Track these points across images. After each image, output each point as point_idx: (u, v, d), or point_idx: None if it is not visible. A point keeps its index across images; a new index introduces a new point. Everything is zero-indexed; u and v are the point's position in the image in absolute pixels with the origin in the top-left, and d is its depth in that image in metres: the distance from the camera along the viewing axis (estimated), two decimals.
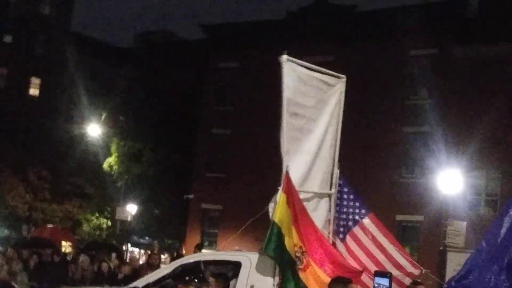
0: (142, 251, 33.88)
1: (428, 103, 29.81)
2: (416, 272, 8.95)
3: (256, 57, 32.54)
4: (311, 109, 8.82)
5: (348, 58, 31.37)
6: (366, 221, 9.13)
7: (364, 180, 29.47)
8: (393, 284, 8.55)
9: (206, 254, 12.31)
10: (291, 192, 8.22)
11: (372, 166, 30.45)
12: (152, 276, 9.31)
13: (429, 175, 28.24)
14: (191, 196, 34.64)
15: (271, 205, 8.33)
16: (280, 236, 8.02)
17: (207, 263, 9.04)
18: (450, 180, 24.41)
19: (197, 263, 9.12)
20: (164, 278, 9.01)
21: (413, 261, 9.20)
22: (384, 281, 3.94)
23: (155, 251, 25.85)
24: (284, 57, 8.49)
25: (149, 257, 17.28)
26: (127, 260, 22.82)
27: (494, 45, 28.92)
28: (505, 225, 7.19)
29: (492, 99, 27.72)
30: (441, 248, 25.06)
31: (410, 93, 30.92)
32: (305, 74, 8.79)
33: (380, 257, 8.79)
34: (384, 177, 30.13)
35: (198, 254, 12.28)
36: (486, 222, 28.27)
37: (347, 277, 7.66)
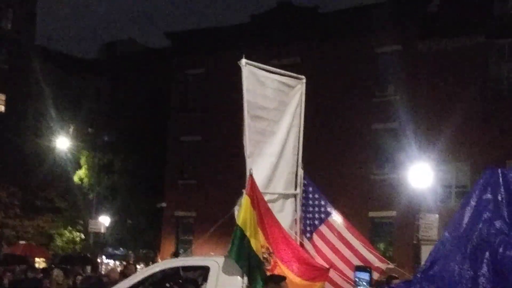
0: (118, 263, 33.64)
1: (396, 99, 30.06)
2: (383, 266, 9.04)
3: (221, 62, 32.48)
4: (273, 111, 8.86)
5: (315, 59, 31.57)
6: (332, 219, 9.18)
7: (336, 178, 29.69)
8: None
9: (174, 260, 12.23)
10: (255, 194, 8.25)
11: (344, 164, 30.63)
12: (123, 285, 9.24)
13: (400, 171, 28.46)
14: (163, 205, 34.54)
15: (236, 208, 8.36)
16: (243, 239, 8.04)
17: (176, 269, 9.02)
18: (421, 175, 24.60)
19: (168, 270, 9.10)
20: (135, 286, 8.96)
21: (380, 255, 9.30)
22: (364, 275, 3.99)
23: (131, 262, 25.73)
24: (243, 61, 8.52)
25: (124, 267, 17.15)
26: (103, 272, 22.69)
27: (458, 38, 29.30)
28: (467, 215, 7.25)
29: (459, 92, 28.06)
30: (414, 241, 25.26)
31: (378, 90, 31.16)
32: (264, 76, 8.82)
33: (347, 253, 8.86)
34: (356, 174, 30.32)
35: (166, 261, 12.22)
36: None
37: (282, 275, 7.73)
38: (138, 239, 35.26)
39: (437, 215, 26.60)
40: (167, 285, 8.59)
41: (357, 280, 6.46)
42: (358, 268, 6.99)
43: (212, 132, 33.72)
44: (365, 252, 8.91)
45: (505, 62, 29.23)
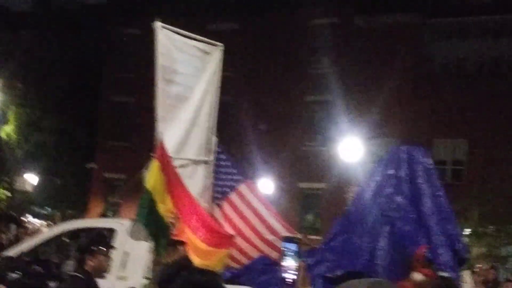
0: (44, 222, 33.10)
1: (330, 72, 30.23)
2: (290, 236, 9.15)
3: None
4: (188, 77, 8.77)
5: (251, 29, 31.45)
6: (243, 187, 9.22)
7: (268, 148, 29.85)
8: (267, 247, 8.75)
9: (81, 222, 12.10)
10: (164, 159, 8.19)
11: (276, 135, 30.78)
12: (27, 245, 9.10)
13: (331, 144, 28.75)
14: (93, 166, 34.06)
15: (145, 172, 8.30)
16: (151, 203, 8.01)
17: (83, 230, 8.92)
18: (351, 148, 24.88)
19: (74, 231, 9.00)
20: (39, 246, 8.84)
21: (288, 225, 9.42)
22: (292, 246, 3.99)
23: (57, 222, 25.35)
24: (158, 24, 8.39)
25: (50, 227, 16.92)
26: (30, 232, 22.33)
27: (394, 15, 29.63)
28: (370, 190, 7.39)
29: (392, 68, 28.42)
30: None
31: (313, 62, 31.28)
32: (180, 41, 8.71)
33: (256, 222, 8.94)
34: (287, 146, 30.51)
35: (72, 222, 12.07)
36: None
37: (181, 239, 7.77)
38: (65, 200, 34.73)
39: None
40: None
41: (285, 250, 6.53)
42: (285, 239, 7.06)
43: (145, 94, 33.18)
44: (273, 222, 9.00)
45: (439, 42, 29.73)
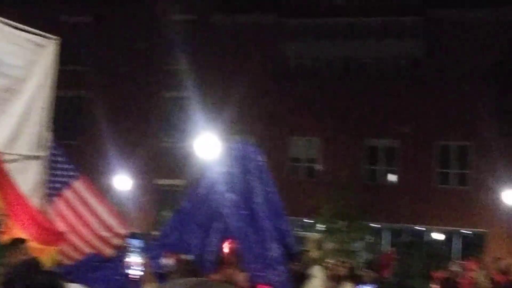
0: None
1: (187, 69, 30.23)
2: (124, 232, 9.12)
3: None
4: (19, 70, 8.46)
5: (109, 21, 30.89)
6: (77, 184, 9.02)
7: (125, 144, 29.44)
8: (102, 244, 8.63)
9: None
10: None
11: (132, 131, 30.43)
12: None
13: (188, 140, 28.78)
14: None
15: None
16: None
17: None
18: (208, 145, 25.00)
19: None
20: None
21: (123, 222, 9.38)
22: (136, 242, 3.86)
23: None
24: None
25: None
26: None
27: (250, 15, 30.13)
28: (204, 187, 7.46)
29: (247, 67, 28.87)
30: None
31: (170, 58, 31.16)
32: (11, 33, 8.39)
33: (90, 218, 8.78)
34: (144, 142, 30.23)
35: None
36: None
37: (23, 238, 7.57)
38: None
39: None
40: None
41: (129, 246, 6.50)
42: (130, 235, 6.99)
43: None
44: (108, 218, 8.90)
45: (293, 41, 30.54)
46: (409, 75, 29.37)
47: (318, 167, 30.06)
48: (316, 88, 29.60)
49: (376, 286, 15.46)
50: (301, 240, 29.43)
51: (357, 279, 13.72)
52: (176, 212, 7.72)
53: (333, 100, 29.12)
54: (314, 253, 24.84)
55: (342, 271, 16.54)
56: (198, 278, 4.32)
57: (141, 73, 30.59)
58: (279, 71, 30.50)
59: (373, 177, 29.53)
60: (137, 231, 9.20)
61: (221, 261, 6.11)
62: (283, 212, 7.50)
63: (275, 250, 6.86)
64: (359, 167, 29.38)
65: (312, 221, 27.45)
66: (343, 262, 18.64)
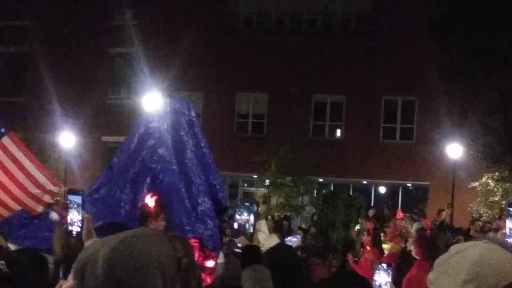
0: None
1: (132, 24, 29.73)
2: (55, 189, 9.06)
3: None
4: None
5: None
6: (6, 140, 8.85)
7: (70, 101, 28.95)
8: (32, 201, 8.53)
9: None
10: None
11: (78, 87, 29.90)
12: None
13: (135, 97, 28.44)
14: None
15: None
16: None
17: None
18: (154, 102, 24.75)
19: None
20: None
21: (53, 179, 9.33)
22: (77, 198, 3.80)
23: None
24: None
25: None
26: None
27: None
28: (134, 142, 7.38)
29: (194, 21, 28.56)
30: None
31: (116, 14, 30.65)
32: None
33: (19, 175, 8.67)
34: (90, 98, 29.75)
35: None
36: None
37: None
38: None
39: None
40: None
41: (69, 202, 6.36)
42: (70, 191, 6.83)
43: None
44: (39, 175, 8.81)
45: None
46: (356, 30, 29.49)
47: (265, 122, 30.13)
48: (264, 44, 29.48)
49: (300, 237, 15.98)
50: (248, 195, 29.79)
51: (283, 231, 14.05)
52: (107, 168, 7.64)
53: (281, 56, 29.06)
54: (261, 208, 25.11)
55: (270, 224, 16.76)
56: (138, 228, 4.28)
57: (87, 28, 29.92)
58: (226, 26, 30.24)
59: (320, 132, 29.75)
60: (78, 188, 9.03)
61: (146, 215, 6.10)
62: (214, 168, 7.53)
63: (205, 205, 6.91)
64: (307, 122, 29.56)
65: (260, 177, 27.64)
66: (284, 217, 18.94)
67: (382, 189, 30.41)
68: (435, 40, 24.31)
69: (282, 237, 12.90)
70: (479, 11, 23.23)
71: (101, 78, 30.22)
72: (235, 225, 3.21)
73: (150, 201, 6.14)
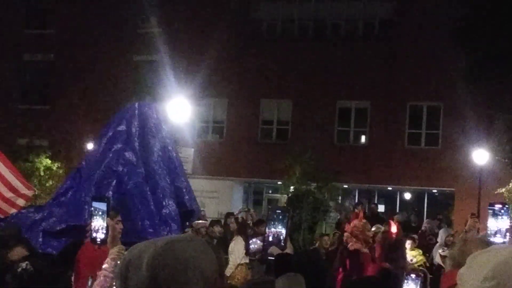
0: None
1: (157, 32, 29.96)
2: (29, 193, 9.21)
3: None
4: None
5: None
6: None
7: (96, 109, 29.20)
8: (5, 205, 8.62)
9: None
10: None
11: (103, 95, 30.16)
12: None
13: (159, 104, 28.54)
14: None
15: None
16: None
17: None
18: (179, 109, 24.90)
19: None
20: None
21: (26, 182, 9.46)
22: (102, 206, 3.83)
23: None
24: None
25: None
26: None
27: None
28: (102, 146, 7.45)
29: (218, 29, 28.64)
30: None
31: (141, 21, 30.92)
32: None
33: None
34: (116, 106, 29.83)
35: None
36: (213, 147, 29.66)
37: None
38: None
39: (192, 149, 27.32)
40: None
41: (93, 210, 6.45)
42: (94, 198, 6.92)
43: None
44: (12, 179, 8.93)
45: (265, 4, 30.41)
46: (380, 35, 29.38)
47: (289, 129, 30.11)
48: (288, 50, 29.52)
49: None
50: (273, 202, 29.76)
51: (246, 233, 13.99)
52: (75, 171, 7.72)
53: (304, 62, 29.05)
54: None
55: (232, 226, 16.72)
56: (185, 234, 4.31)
57: (111, 36, 30.21)
58: (250, 33, 30.34)
59: (345, 138, 29.66)
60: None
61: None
62: (181, 171, 7.58)
63: (169, 208, 6.97)
64: (331, 128, 29.50)
65: (284, 183, 27.59)
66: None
67: (407, 195, 30.22)
68: (459, 44, 24.15)
69: (246, 239, 12.86)
70: (503, 14, 23.04)
71: (126, 86, 30.42)
72: (270, 238, 3.24)
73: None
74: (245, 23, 30.29)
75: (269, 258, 3.15)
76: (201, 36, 29.16)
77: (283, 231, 3.18)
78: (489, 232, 4.04)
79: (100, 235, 3.70)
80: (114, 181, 6.97)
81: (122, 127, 7.30)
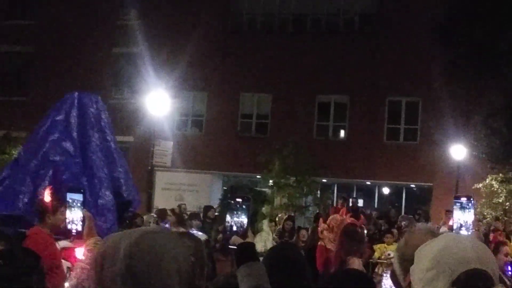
0: None
1: (137, 24, 29.80)
2: None
3: None
4: None
5: None
6: None
7: None
8: None
9: None
10: None
11: (82, 87, 29.83)
12: None
13: (139, 97, 28.48)
14: None
15: None
16: None
17: None
18: (159, 102, 24.81)
19: None
20: None
21: None
22: (78, 196, 3.79)
23: None
24: None
25: None
26: None
27: None
28: (40, 135, 7.41)
29: (199, 21, 28.62)
30: (149, 167, 25.59)
31: (120, 13, 30.74)
32: None
33: None
34: None
35: None
36: (192, 141, 29.59)
37: None
38: None
39: (171, 142, 27.24)
40: None
41: (70, 201, 6.41)
42: (70, 190, 6.88)
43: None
44: None
45: None
46: (360, 30, 29.46)
47: (269, 123, 30.13)
48: (268, 44, 29.49)
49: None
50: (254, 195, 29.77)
51: (185, 225, 14.13)
52: (13, 161, 7.66)
53: (284, 56, 29.06)
54: (265, 208, 25.14)
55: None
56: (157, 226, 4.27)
57: (91, 27, 29.99)
58: (231, 27, 30.29)
59: (324, 133, 29.71)
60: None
61: (43, 211, 6.13)
62: (120, 162, 7.54)
63: (106, 198, 6.96)
64: (310, 123, 29.55)
65: (263, 177, 27.63)
66: (288, 218, 18.94)
67: (386, 190, 30.39)
68: (439, 40, 24.29)
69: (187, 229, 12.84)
70: (483, 11, 23.19)
71: (105, 78, 30.23)
72: (231, 227, 3.19)
73: (46, 196, 6.16)
74: (225, 17, 30.23)
75: (229, 247, 3.12)
76: (180, 29, 29.06)
77: (245, 220, 3.14)
78: (455, 225, 4.05)
79: (76, 227, 3.65)
80: (51, 171, 6.91)
81: (60, 117, 7.23)
